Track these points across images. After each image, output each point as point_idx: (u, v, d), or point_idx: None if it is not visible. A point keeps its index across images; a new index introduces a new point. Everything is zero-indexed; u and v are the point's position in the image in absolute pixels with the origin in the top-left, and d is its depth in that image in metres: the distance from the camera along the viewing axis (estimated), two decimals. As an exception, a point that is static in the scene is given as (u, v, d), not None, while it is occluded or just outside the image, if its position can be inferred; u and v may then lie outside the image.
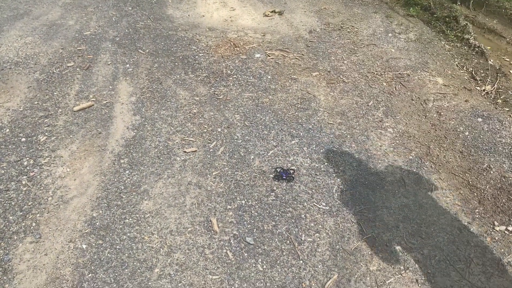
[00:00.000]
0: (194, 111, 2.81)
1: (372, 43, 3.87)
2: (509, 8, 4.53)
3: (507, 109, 3.10)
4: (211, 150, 2.50)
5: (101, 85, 2.98)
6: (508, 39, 4.21)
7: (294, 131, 2.70)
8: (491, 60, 3.69)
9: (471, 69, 3.60)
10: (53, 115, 2.69)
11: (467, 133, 2.75)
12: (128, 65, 3.22)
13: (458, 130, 2.78)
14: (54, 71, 3.09)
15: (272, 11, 4.33)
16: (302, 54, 3.61)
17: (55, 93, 2.87)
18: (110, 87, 2.98)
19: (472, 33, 4.10)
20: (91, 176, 2.30)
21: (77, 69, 3.13)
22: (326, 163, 2.45)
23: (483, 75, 3.51)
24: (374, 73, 3.41)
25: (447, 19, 4.37)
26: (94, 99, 2.86)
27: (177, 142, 2.54)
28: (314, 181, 2.33)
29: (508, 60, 3.87)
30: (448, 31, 4.18)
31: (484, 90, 3.32)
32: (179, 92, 2.98)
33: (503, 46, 4.14)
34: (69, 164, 2.36)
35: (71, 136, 2.54)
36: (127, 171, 2.33)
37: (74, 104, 2.79)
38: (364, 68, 3.47)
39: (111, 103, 2.83)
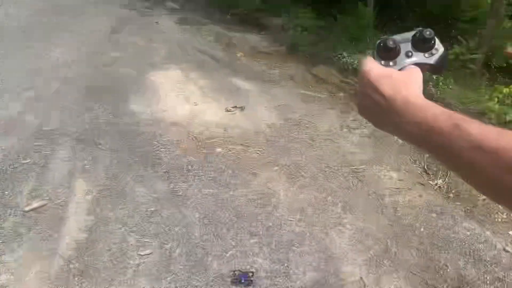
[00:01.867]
0: (152, 209, 2.76)
1: (328, 138, 4.03)
2: (454, 105, 4.90)
3: (459, 203, 3.22)
4: (167, 252, 2.42)
5: (56, 183, 2.91)
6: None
7: (253, 229, 2.67)
8: (441, 154, 3.90)
9: (424, 163, 3.77)
10: (1, 216, 2.57)
11: (422, 229, 2.81)
12: (86, 162, 3.19)
13: (414, 226, 2.84)
14: (8, 168, 3.01)
15: (234, 107, 4.49)
16: (263, 149, 3.70)
17: (6, 192, 2.77)
18: (66, 185, 2.91)
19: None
20: (37, 284, 2.15)
21: (33, 165, 3.07)
22: (286, 264, 2.41)
23: (435, 169, 3.68)
24: (331, 167, 3.52)
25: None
26: (48, 198, 2.77)
27: (132, 244, 2.45)
28: (274, 284, 2.26)
29: (456, 154, 4.10)
30: (400, 126, 4.43)
31: (436, 184, 3.46)
32: (137, 189, 2.94)
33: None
34: (14, 271, 2.21)
35: (18, 239, 2.41)
36: (77, 278, 2.20)
37: (26, 204, 2.69)
38: (322, 162, 3.58)
39: (65, 202, 2.75)
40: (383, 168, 3.59)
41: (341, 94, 5.38)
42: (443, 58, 0.69)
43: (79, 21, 7.07)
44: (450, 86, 5.25)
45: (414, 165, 3.74)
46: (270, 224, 2.74)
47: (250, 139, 3.83)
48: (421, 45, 0.68)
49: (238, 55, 6.71)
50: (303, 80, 5.87)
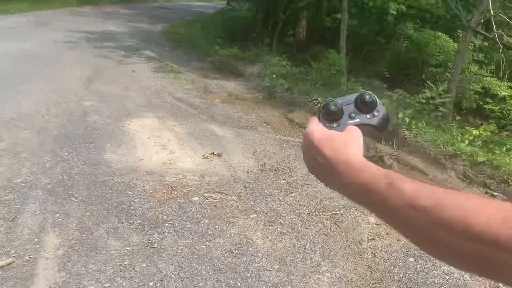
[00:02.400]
0: (125, 263, 2.67)
1: (306, 183, 4.04)
2: (427, 147, 5.02)
3: (436, 246, 3.22)
4: (141, 309, 2.32)
5: (25, 238, 2.80)
6: (430, 176, 4.59)
7: (231, 281, 2.60)
8: (417, 197, 3.94)
9: (400, 206, 3.80)
10: (-36, 276, 2.43)
11: (401, 275, 2.78)
12: (58, 215, 3.09)
13: (393, 271, 2.82)
14: (-26, 224, 2.89)
15: (211, 153, 4.49)
16: (240, 196, 3.67)
17: (-30, 250, 2.64)
18: (36, 240, 2.80)
19: (398, 171, 4.43)
20: None
21: (1, 221, 2.95)
22: (264, 317, 2.34)
23: (411, 212, 3.71)
24: (309, 213, 3.50)
25: (374, 158, 4.73)
26: (16, 254, 2.65)
27: (103, 302, 2.34)
28: None
29: (431, 196, 4.15)
30: (375, 170, 4.49)
31: (413, 227, 3.47)
32: (111, 242, 2.85)
33: (427, 182, 4.45)
34: (-26, 337, 2.07)
35: (-19, 301, 2.28)
36: None
37: (-9, 262, 2.56)
38: (299, 208, 3.56)
39: (35, 259, 2.63)
40: (361, 212, 3.59)
41: (317, 138, 5.45)
42: (384, 119, 0.71)
43: (54, 70, 7.09)
44: (423, 129, 5.39)
45: (391, 209, 3.76)
46: (248, 275, 2.67)
47: (227, 186, 3.81)
48: (364, 107, 0.71)
49: (215, 101, 6.79)
50: (280, 125, 5.95)
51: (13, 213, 3.05)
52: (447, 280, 2.76)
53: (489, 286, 2.77)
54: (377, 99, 0.71)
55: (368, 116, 0.71)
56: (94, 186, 3.54)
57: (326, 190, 3.94)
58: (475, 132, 5.21)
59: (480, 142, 5.13)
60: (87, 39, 10.63)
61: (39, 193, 3.34)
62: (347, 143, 0.62)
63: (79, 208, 3.21)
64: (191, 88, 7.34)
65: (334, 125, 0.70)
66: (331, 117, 0.70)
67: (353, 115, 0.71)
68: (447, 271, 2.85)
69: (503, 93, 9.69)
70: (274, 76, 8.00)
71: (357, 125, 0.69)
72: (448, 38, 11.60)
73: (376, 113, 0.71)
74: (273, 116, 6.34)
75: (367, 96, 0.70)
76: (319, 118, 0.71)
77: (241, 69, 9.11)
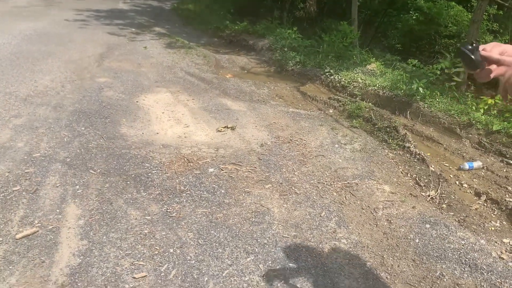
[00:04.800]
0: (145, 231, 2.74)
1: (320, 154, 4.06)
2: (441, 117, 4.97)
3: (452, 213, 3.24)
4: (163, 274, 2.39)
5: (47, 209, 2.88)
6: (445, 146, 4.56)
7: (249, 247, 2.66)
8: (432, 166, 3.94)
9: (415, 175, 3.81)
10: (-8, 244, 2.52)
11: (417, 240, 2.81)
12: (77, 187, 3.16)
13: (409, 237, 2.85)
14: (-2, 196, 2.97)
15: (225, 127, 4.51)
16: (255, 167, 3.71)
17: (-4, 220, 2.72)
18: (58, 210, 2.88)
19: (412, 141, 4.42)
20: (29, 312, 2.10)
21: (23, 193, 3.03)
22: (283, 281, 2.39)
23: (426, 181, 3.72)
24: (324, 183, 3.53)
25: (388, 129, 4.72)
26: (40, 224, 2.73)
27: (126, 267, 2.41)
28: (271, 301, 2.24)
29: (447, 165, 4.15)
30: (390, 140, 4.49)
31: (429, 195, 3.49)
32: (130, 212, 2.92)
33: (441, 152, 4.46)
34: (5, 300, 2.16)
35: (10, 267, 2.37)
36: (70, 304, 2.16)
37: (17, 231, 2.65)
38: (314, 179, 3.59)
39: (57, 228, 2.71)
40: (375, 181, 3.61)
41: (331, 110, 5.45)
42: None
43: (67, 48, 7.11)
44: (437, 99, 5.33)
45: (406, 178, 3.77)
46: (265, 241, 2.72)
47: (242, 158, 3.84)
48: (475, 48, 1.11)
49: (227, 76, 6.78)
50: (292, 98, 5.94)
51: (35, 185, 3.13)
52: (463, 246, 2.78)
53: (505, 251, 2.79)
54: (479, 42, 1.15)
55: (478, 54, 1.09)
56: (112, 159, 3.60)
57: (340, 160, 3.96)
58: (490, 101, 5.13)
59: (495, 111, 5.06)
60: (97, 17, 10.61)
61: (58, 166, 3.41)
62: None
63: (98, 180, 3.28)
64: (203, 63, 7.32)
65: (473, 55, 1.08)
66: (473, 50, 1.08)
67: (474, 48, 1.09)
68: (462, 237, 2.87)
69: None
70: (286, 49, 7.93)
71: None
72: (462, 8, 11.31)
73: (479, 51, 1.09)
74: (285, 89, 6.32)
75: (475, 42, 1.09)
76: (467, 55, 1.08)
77: (252, 43, 9.04)
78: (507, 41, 11.58)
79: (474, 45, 1.10)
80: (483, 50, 1.09)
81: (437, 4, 11.13)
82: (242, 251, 2.61)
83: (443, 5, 11.03)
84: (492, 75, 1.09)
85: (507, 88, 1.06)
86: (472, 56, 1.08)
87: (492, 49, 1.10)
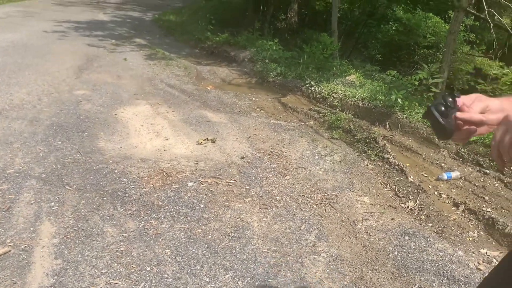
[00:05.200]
0: (122, 249, 2.68)
1: (300, 166, 4.06)
2: (420, 128, 5.04)
3: (430, 224, 3.26)
4: (139, 293, 2.34)
5: (21, 228, 2.79)
6: (424, 156, 4.61)
7: (228, 263, 2.62)
8: (411, 177, 3.97)
9: (394, 186, 3.84)
10: (-40, 266, 2.43)
11: (396, 253, 2.82)
12: (53, 203, 3.08)
13: (388, 250, 2.85)
14: (-31, 214, 2.88)
15: (205, 139, 4.48)
16: (235, 180, 3.68)
17: (-34, 240, 2.63)
18: (31, 229, 2.80)
19: (391, 152, 4.46)
20: (-2, 337, 2.03)
21: (-4, 211, 2.94)
22: (261, 297, 2.36)
23: (405, 192, 3.74)
24: (304, 195, 3.52)
25: (367, 140, 4.76)
26: (12, 244, 2.65)
27: (101, 287, 2.35)
28: (250, 319, 2.20)
29: (426, 175, 4.19)
30: (370, 151, 4.52)
31: (408, 206, 3.51)
32: (107, 229, 2.86)
33: (420, 162, 4.50)
34: (-27, 325, 2.08)
35: (-21, 289, 2.28)
36: (42, 327, 2.09)
37: (-13, 251, 2.56)
38: (294, 191, 3.58)
39: (31, 247, 2.63)
40: (355, 193, 3.62)
41: (311, 121, 5.47)
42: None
43: (45, 60, 7.01)
44: (416, 110, 5.40)
45: (385, 189, 3.79)
46: (245, 257, 2.69)
47: (222, 171, 3.82)
48: (452, 102, 0.93)
49: (208, 87, 6.77)
50: (273, 109, 5.95)
51: (8, 202, 3.04)
52: (441, 257, 2.80)
53: (483, 261, 2.81)
54: (459, 94, 0.93)
55: (454, 110, 0.91)
56: (89, 174, 3.53)
57: (320, 172, 3.96)
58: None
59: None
60: (77, 29, 10.50)
61: (33, 182, 3.33)
62: None
63: (74, 196, 3.21)
64: (184, 74, 7.30)
65: (445, 119, 0.89)
66: (445, 115, 0.88)
67: (449, 109, 0.90)
68: (440, 248, 2.89)
69: (494, 72, 9.70)
70: (267, 61, 7.97)
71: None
72: (439, 19, 11.56)
73: (457, 107, 0.92)
74: (266, 100, 6.33)
75: (453, 95, 0.92)
76: (436, 120, 0.89)
77: (234, 54, 9.06)
78: (483, 51, 11.87)
79: (449, 103, 0.91)
80: (462, 106, 0.92)
81: (416, 16, 11.35)
82: (220, 268, 2.58)
83: (421, 16, 11.26)
84: (472, 136, 0.94)
85: (502, 151, 0.86)
86: (443, 122, 0.89)
87: (472, 105, 0.94)
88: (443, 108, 0.88)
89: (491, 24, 7.48)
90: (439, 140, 0.95)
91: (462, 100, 0.94)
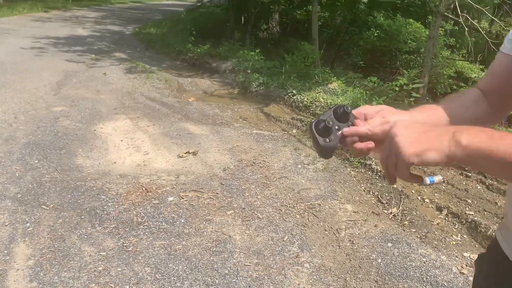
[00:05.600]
0: (100, 268, 2.60)
1: (283, 176, 4.03)
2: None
3: (414, 230, 3.25)
4: (117, 314, 2.27)
5: (-6, 251, 2.70)
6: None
7: (209, 279, 2.56)
8: (393, 182, 3.96)
9: (377, 193, 3.82)
10: None
11: (379, 260, 2.79)
12: (28, 224, 3.00)
13: (371, 257, 2.82)
14: None
15: (186, 152, 4.43)
16: (217, 193, 3.63)
17: None
18: (6, 251, 2.71)
19: (373, 159, 4.45)
20: None
21: (-32, 234, 2.85)
22: (243, 313, 2.31)
23: (388, 198, 3.73)
24: (287, 206, 3.49)
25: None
26: (-16, 268, 2.56)
27: (77, 310, 2.28)
28: (231, 336, 2.15)
29: (407, 180, 4.18)
30: (352, 158, 4.51)
31: (391, 213, 3.50)
32: (84, 248, 2.78)
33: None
34: None
35: None
36: None
37: (-43, 278, 2.47)
38: (277, 201, 3.54)
39: (5, 271, 2.54)
40: (338, 201, 3.60)
41: (294, 130, 5.45)
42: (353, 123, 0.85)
43: (22, 78, 6.90)
44: (396, 115, 5.42)
45: (368, 195, 3.78)
46: (226, 271, 2.64)
47: (203, 184, 3.76)
48: (343, 117, 0.84)
49: (190, 100, 6.73)
50: (256, 119, 5.93)
51: (-19, 226, 2.95)
52: (424, 263, 2.78)
53: (466, 265, 2.80)
54: (352, 108, 0.85)
55: (347, 125, 0.83)
56: (66, 192, 3.45)
57: (303, 181, 3.94)
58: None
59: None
60: (55, 44, 10.38)
61: (8, 203, 3.24)
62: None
63: (50, 216, 3.12)
64: (164, 87, 7.25)
65: (328, 140, 0.81)
66: (327, 133, 0.81)
67: (336, 127, 0.82)
68: (424, 254, 2.87)
69: (475, 75, 9.86)
70: (249, 71, 7.96)
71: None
72: (419, 25, 11.73)
73: (351, 121, 0.84)
74: (249, 111, 6.31)
75: (346, 108, 0.83)
76: (315, 138, 0.81)
77: (215, 65, 9.04)
78: (464, 55, 12.06)
79: (338, 118, 0.82)
80: (356, 120, 0.83)
81: (396, 22, 11.50)
82: (201, 284, 2.52)
83: (402, 22, 11.41)
84: (368, 153, 0.84)
85: (390, 170, 0.78)
86: (320, 142, 0.80)
87: (370, 120, 0.84)
88: (326, 125, 0.79)
89: (467, 29, 7.60)
90: (320, 156, 0.84)
91: (363, 112, 0.86)
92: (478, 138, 0.66)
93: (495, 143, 0.65)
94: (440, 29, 9.84)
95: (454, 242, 3.14)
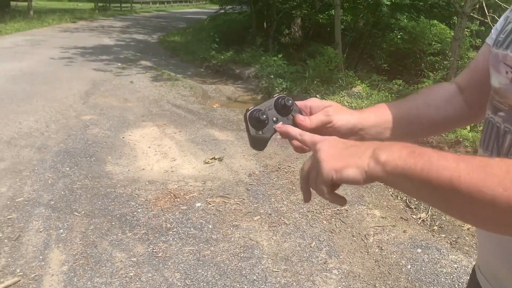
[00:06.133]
0: (131, 274, 2.66)
1: (309, 181, 4.01)
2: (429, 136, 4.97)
3: (443, 235, 3.19)
4: (148, 319, 2.31)
5: (30, 256, 2.80)
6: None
7: (238, 285, 2.58)
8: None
9: (405, 198, 3.77)
10: (-30, 298, 2.43)
11: (409, 267, 2.75)
12: (61, 230, 3.09)
13: (401, 264, 2.79)
14: (-22, 245, 2.89)
15: (212, 158, 4.48)
16: (243, 199, 3.66)
17: (-24, 272, 2.64)
18: (41, 257, 2.80)
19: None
20: None
21: (5, 240, 2.95)
22: (272, 319, 2.32)
23: (416, 203, 3.68)
24: (313, 211, 3.48)
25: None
26: (22, 273, 2.65)
27: (110, 315, 2.33)
28: None
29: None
30: (378, 163, 4.46)
31: (419, 218, 3.45)
32: (115, 254, 2.84)
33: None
34: None
35: (-12, 322, 2.28)
36: None
37: (-3, 282, 2.56)
38: (303, 207, 3.54)
39: (40, 276, 2.63)
40: (365, 207, 3.57)
41: (318, 135, 5.43)
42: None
43: (52, 87, 7.12)
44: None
45: (396, 201, 3.73)
46: (255, 277, 2.65)
47: (229, 190, 3.80)
48: (283, 110, 0.79)
49: (214, 106, 6.80)
50: (280, 125, 5.92)
51: (17, 231, 3.05)
52: (455, 269, 2.73)
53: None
54: (292, 101, 0.79)
55: (287, 118, 0.79)
56: (97, 199, 3.54)
57: (329, 186, 3.91)
58: (476, 118, 5.16)
59: (481, 127, 5.08)
60: (83, 54, 10.68)
61: (42, 210, 3.35)
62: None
63: (82, 222, 3.21)
64: (190, 94, 7.35)
65: (261, 132, 0.77)
66: (260, 125, 0.76)
67: (274, 119, 0.78)
68: (455, 260, 2.82)
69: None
70: (272, 76, 7.99)
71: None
72: (444, 26, 11.53)
73: (292, 115, 0.79)
74: (272, 116, 6.32)
75: (287, 101, 0.78)
76: (247, 128, 0.77)
77: (239, 72, 9.12)
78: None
79: (277, 108, 0.78)
80: (297, 116, 0.80)
81: (420, 23, 11.34)
82: (230, 289, 2.54)
83: (426, 23, 11.24)
84: (305, 151, 0.79)
85: (310, 185, 0.72)
86: (250, 133, 0.77)
87: (313, 116, 0.81)
88: (259, 117, 0.75)
89: (495, 29, 7.41)
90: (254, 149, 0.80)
91: (309, 104, 0.83)
92: (397, 154, 0.59)
93: (413, 160, 0.57)
94: (466, 30, 9.65)
95: (486, 248, 3.06)
